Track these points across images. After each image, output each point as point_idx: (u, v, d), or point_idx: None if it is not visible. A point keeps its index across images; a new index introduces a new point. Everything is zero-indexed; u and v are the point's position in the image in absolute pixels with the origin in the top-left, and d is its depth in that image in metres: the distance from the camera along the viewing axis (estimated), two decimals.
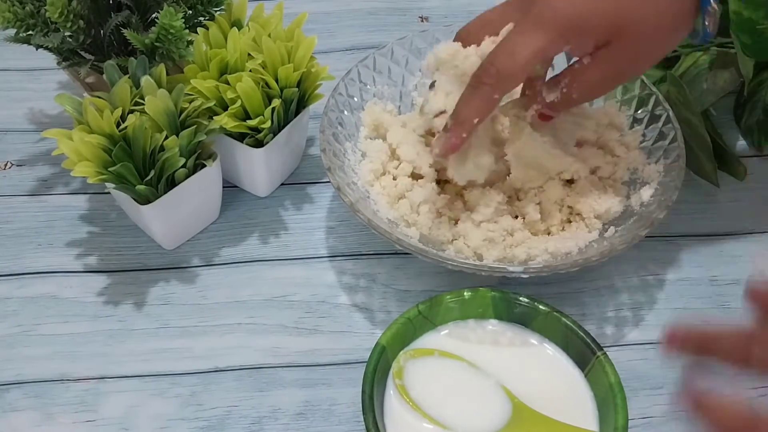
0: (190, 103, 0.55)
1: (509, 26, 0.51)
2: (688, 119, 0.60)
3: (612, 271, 0.58)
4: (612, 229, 0.55)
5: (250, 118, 0.57)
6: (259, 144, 0.59)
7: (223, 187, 0.61)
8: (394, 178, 0.59)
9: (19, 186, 0.65)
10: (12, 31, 0.57)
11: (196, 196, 0.58)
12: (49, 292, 0.58)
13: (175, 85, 0.54)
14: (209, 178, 0.58)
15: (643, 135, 0.59)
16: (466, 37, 0.53)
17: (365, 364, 0.46)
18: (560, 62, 0.56)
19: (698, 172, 0.63)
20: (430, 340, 0.49)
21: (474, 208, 0.55)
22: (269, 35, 0.58)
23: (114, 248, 0.60)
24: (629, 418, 0.44)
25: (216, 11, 0.61)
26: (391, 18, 0.81)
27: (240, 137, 0.58)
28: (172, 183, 0.55)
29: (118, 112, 0.53)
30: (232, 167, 0.61)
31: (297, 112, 0.60)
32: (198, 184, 0.57)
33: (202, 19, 0.61)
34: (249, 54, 0.58)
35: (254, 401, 0.52)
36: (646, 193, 0.56)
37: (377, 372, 0.46)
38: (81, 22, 0.56)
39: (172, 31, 0.54)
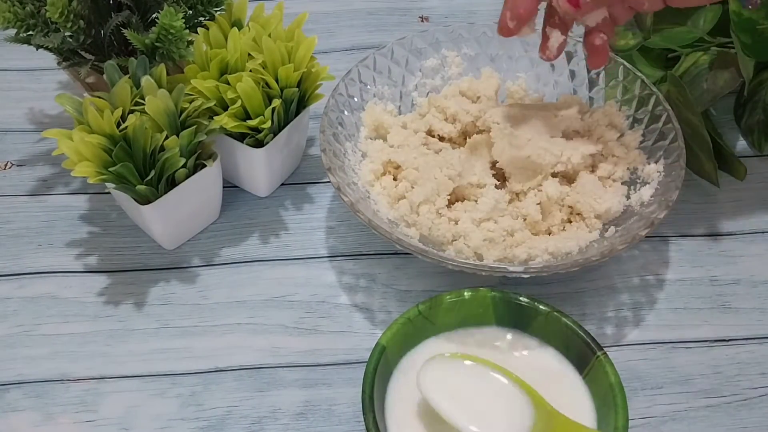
0: (190, 103, 0.55)
1: None
2: (689, 119, 0.60)
3: (612, 271, 0.59)
4: (612, 229, 0.55)
5: (250, 118, 0.57)
6: (259, 144, 0.59)
7: (224, 187, 0.61)
8: (395, 179, 0.59)
9: (20, 186, 0.65)
10: (12, 31, 0.57)
11: (196, 196, 0.58)
12: (49, 292, 0.58)
13: (175, 85, 0.54)
14: (209, 178, 0.58)
15: (643, 135, 0.59)
16: None
17: (365, 364, 0.46)
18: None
19: (698, 172, 0.63)
20: (430, 341, 0.49)
21: (474, 206, 0.55)
22: (269, 35, 0.58)
23: (114, 248, 0.60)
24: (629, 418, 0.44)
25: (216, 11, 0.61)
26: (391, 18, 0.81)
27: (240, 137, 0.58)
28: (172, 183, 0.55)
29: (119, 112, 0.53)
30: (233, 167, 0.61)
31: (297, 112, 0.60)
32: (198, 184, 0.57)
33: (202, 19, 0.61)
34: (249, 54, 0.58)
35: (254, 401, 0.52)
36: (646, 193, 0.56)
37: (377, 372, 0.46)
38: (81, 22, 0.56)
39: (172, 31, 0.54)
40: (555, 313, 0.49)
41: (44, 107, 0.71)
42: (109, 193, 0.62)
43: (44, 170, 0.66)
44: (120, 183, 0.53)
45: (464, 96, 0.63)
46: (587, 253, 0.53)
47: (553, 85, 0.65)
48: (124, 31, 0.56)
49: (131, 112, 0.53)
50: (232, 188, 0.64)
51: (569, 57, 0.64)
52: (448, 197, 0.56)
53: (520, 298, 0.49)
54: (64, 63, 0.59)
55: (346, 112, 0.61)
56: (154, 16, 0.60)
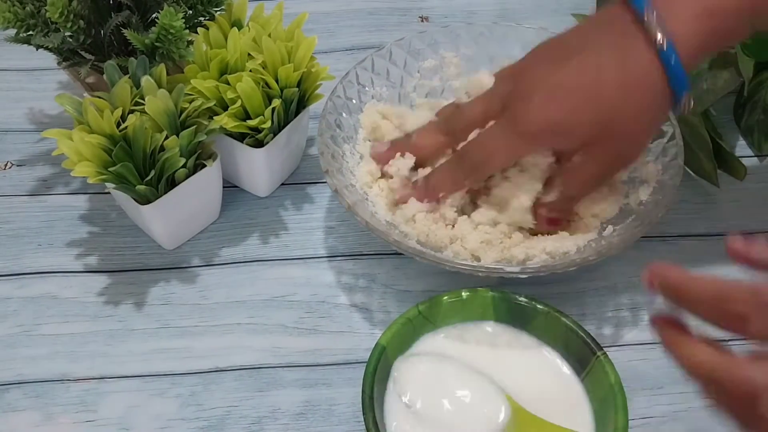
0: (190, 103, 0.55)
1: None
2: (688, 119, 0.60)
3: (612, 271, 0.58)
4: (610, 228, 0.55)
5: (250, 118, 0.57)
6: (259, 144, 0.59)
7: (223, 187, 0.61)
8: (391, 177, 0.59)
9: (19, 186, 0.65)
10: (12, 31, 0.57)
11: (196, 196, 0.58)
12: (49, 292, 0.58)
13: (175, 85, 0.54)
14: (209, 178, 0.58)
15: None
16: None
17: (365, 364, 0.46)
18: None
19: (698, 172, 0.63)
20: (429, 341, 0.49)
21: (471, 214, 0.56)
22: (269, 35, 0.58)
23: (114, 248, 0.60)
24: (629, 418, 0.44)
25: (216, 11, 0.61)
26: (391, 18, 0.81)
27: (240, 137, 0.58)
28: (172, 183, 0.55)
29: (119, 112, 0.53)
30: (233, 167, 0.61)
31: (297, 112, 0.60)
32: (198, 184, 0.57)
33: (202, 19, 0.61)
34: (249, 54, 0.58)
35: (254, 401, 0.52)
36: (644, 192, 0.56)
37: (377, 372, 0.46)
38: (81, 22, 0.56)
39: (172, 31, 0.54)
40: (554, 313, 0.49)
41: (44, 107, 0.71)
42: (109, 193, 0.62)
43: (44, 170, 0.66)
44: (120, 183, 0.53)
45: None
46: (585, 252, 0.53)
47: None
48: (124, 31, 0.56)
49: (131, 112, 0.53)
50: (232, 188, 0.64)
51: None
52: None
53: (520, 298, 0.49)
54: (64, 63, 0.59)
55: (344, 114, 0.61)
56: (154, 16, 0.60)
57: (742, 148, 0.67)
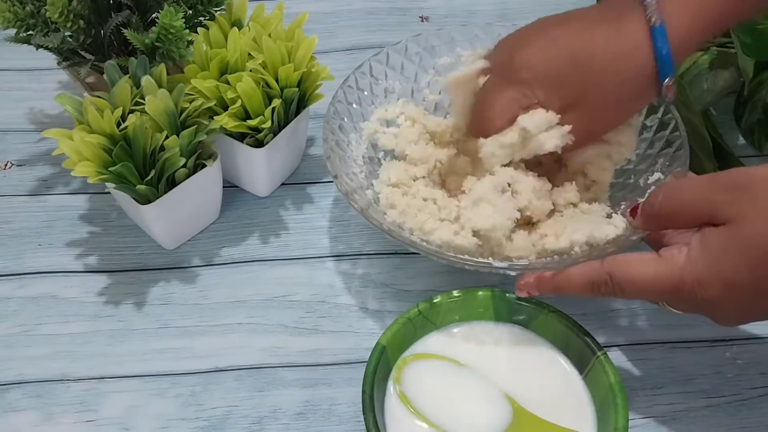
0: (190, 103, 0.55)
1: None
2: (689, 119, 0.60)
3: None
4: (612, 227, 0.55)
5: (250, 118, 0.57)
6: (259, 144, 0.59)
7: (224, 187, 0.61)
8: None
9: (20, 186, 0.65)
10: (12, 31, 0.57)
11: (196, 196, 0.58)
12: (49, 292, 0.58)
13: (175, 85, 0.54)
14: (209, 178, 0.58)
15: (651, 142, 0.59)
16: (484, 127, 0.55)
17: (365, 364, 0.46)
18: None
19: (698, 172, 0.63)
20: (429, 341, 0.49)
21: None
22: (269, 35, 0.58)
23: (114, 248, 0.60)
24: (629, 418, 0.44)
25: (216, 11, 0.61)
26: (391, 18, 0.81)
27: (240, 137, 0.58)
28: (172, 183, 0.55)
29: (119, 111, 0.53)
30: (233, 167, 0.61)
31: (297, 112, 0.60)
32: (198, 184, 0.57)
33: (202, 19, 0.61)
34: (249, 54, 0.58)
35: (254, 401, 0.52)
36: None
37: (378, 372, 0.46)
38: (81, 22, 0.56)
39: (172, 31, 0.54)
40: (555, 313, 0.49)
41: (44, 107, 0.71)
42: (109, 193, 0.62)
43: (44, 170, 0.66)
44: (120, 183, 0.53)
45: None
46: (575, 255, 0.53)
47: None
48: (124, 31, 0.56)
49: (131, 111, 0.53)
50: (232, 188, 0.64)
51: None
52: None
53: (521, 298, 0.49)
54: (64, 63, 0.59)
55: (354, 105, 0.61)
56: (154, 16, 0.60)
57: (742, 148, 0.67)
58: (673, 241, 0.46)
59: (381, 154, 0.62)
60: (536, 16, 0.80)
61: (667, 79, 0.50)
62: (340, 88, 0.60)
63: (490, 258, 0.53)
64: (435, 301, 0.49)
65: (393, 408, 0.46)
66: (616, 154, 0.57)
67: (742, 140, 0.68)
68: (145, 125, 0.52)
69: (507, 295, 0.50)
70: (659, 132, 0.58)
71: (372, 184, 0.58)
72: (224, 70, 0.58)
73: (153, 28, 0.56)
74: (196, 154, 0.56)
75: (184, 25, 0.55)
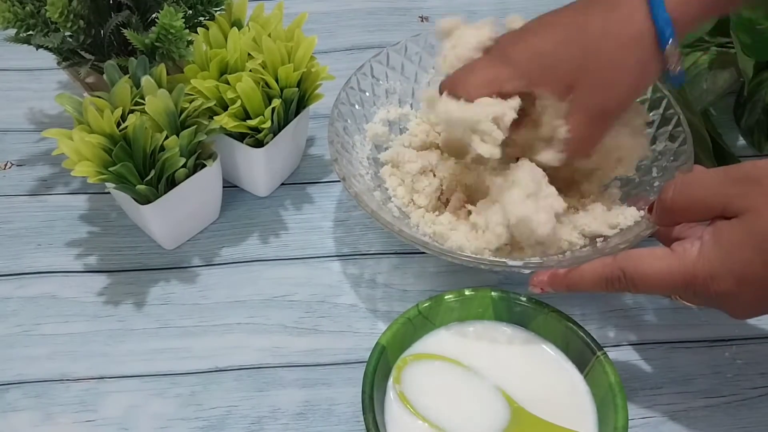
0: (190, 103, 0.55)
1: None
2: (689, 119, 0.60)
3: None
4: (614, 227, 0.55)
5: (250, 118, 0.57)
6: (259, 144, 0.59)
7: (223, 187, 0.61)
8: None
9: (19, 186, 0.65)
10: (12, 31, 0.57)
11: (196, 196, 0.58)
12: (49, 292, 0.58)
13: (175, 85, 0.54)
14: (209, 178, 0.58)
15: (654, 138, 0.59)
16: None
17: (365, 363, 0.46)
18: None
19: None
20: (429, 341, 0.49)
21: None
22: (269, 35, 0.58)
23: (114, 248, 0.60)
24: (629, 418, 0.44)
25: (216, 11, 0.61)
26: (391, 18, 0.81)
27: (240, 137, 0.58)
28: (172, 183, 0.55)
29: (119, 111, 0.53)
30: (232, 167, 0.61)
31: (297, 112, 0.60)
32: (198, 184, 0.57)
33: (202, 19, 0.61)
34: (249, 54, 0.58)
35: (254, 401, 0.52)
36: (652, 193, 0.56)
37: (377, 372, 0.46)
38: (81, 22, 0.56)
39: (172, 31, 0.54)
40: (555, 313, 0.49)
41: (44, 107, 0.71)
42: (109, 192, 0.62)
43: (44, 170, 0.66)
44: (120, 183, 0.53)
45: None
46: (589, 250, 0.53)
47: None
48: (124, 31, 0.56)
49: (131, 111, 0.53)
50: (232, 188, 0.64)
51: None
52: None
53: (521, 298, 0.49)
54: (64, 63, 0.59)
55: (356, 106, 0.61)
56: (154, 16, 0.60)
57: (741, 148, 0.67)
58: (684, 235, 0.46)
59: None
60: (537, 14, 0.80)
61: (669, 45, 0.48)
62: (342, 90, 0.60)
63: (505, 258, 0.53)
64: (435, 301, 0.49)
65: (392, 408, 0.46)
66: (626, 161, 0.57)
67: (741, 140, 0.68)
68: (145, 125, 0.52)
69: (507, 295, 0.50)
70: (662, 127, 0.59)
71: (380, 186, 0.58)
72: (224, 70, 0.58)
73: (153, 28, 0.56)
74: (196, 154, 0.56)
75: (183, 25, 0.55)
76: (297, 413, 0.51)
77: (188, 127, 0.54)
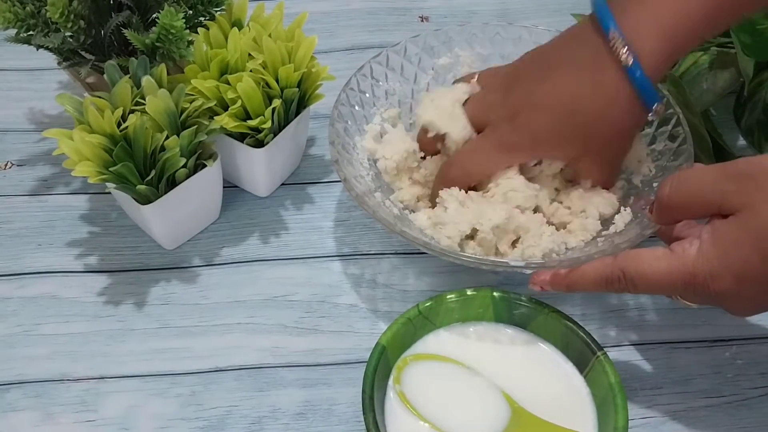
0: (190, 103, 0.55)
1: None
2: (688, 119, 0.60)
3: None
4: (616, 227, 0.55)
5: (250, 118, 0.57)
6: (259, 144, 0.59)
7: (224, 187, 0.61)
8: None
9: (20, 186, 0.65)
10: (12, 31, 0.57)
11: (196, 196, 0.58)
12: (49, 292, 0.58)
13: (175, 85, 0.54)
14: (210, 178, 0.58)
15: (653, 137, 0.59)
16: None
17: (365, 364, 0.46)
18: None
19: None
20: (430, 341, 0.49)
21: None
22: (270, 35, 0.58)
23: (114, 248, 0.60)
24: (629, 418, 0.44)
25: (216, 11, 0.61)
26: (390, 18, 0.81)
27: (240, 137, 0.58)
28: (172, 183, 0.55)
29: (119, 112, 0.53)
30: (233, 167, 0.61)
31: (297, 112, 0.60)
32: (198, 184, 0.57)
33: (202, 19, 0.61)
34: (249, 54, 0.58)
35: (254, 401, 0.52)
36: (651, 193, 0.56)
37: (377, 372, 0.46)
38: (81, 22, 0.56)
39: (172, 31, 0.54)
40: (555, 313, 0.49)
41: (44, 107, 0.71)
42: (109, 193, 0.62)
43: (44, 170, 0.66)
44: (120, 183, 0.53)
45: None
46: (590, 251, 0.53)
47: None
48: (125, 31, 0.56)
49: (132, 111, 0.53)
50: (232, 188, 0.64)
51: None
52: None
53: (521, 298, 0.49)
54: (64, 63, 0.59)
55: (356, 107, 0.61)
56: (154, 16, 0.60)
57: (741, 149, 0.67)
58: (684, 235, 0.46)
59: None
60: (536, 16, 0.80)
61: (655, 105, 0.52)
62: (342, 91, 0.60)
63: (506, 258, 0.53)
64: (435, 301, 0.49)
65: (393, 408, 0.46)
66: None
67: (741, 140, 0.68)
68: (145, 125, 0.52)
69: (507, 295, 0.50)
70: (661, 127, 0.59)
71: (380, 187, 0.58)
72: (224, 71, 0.58)
73: (153, 28, 0.56)
74: (197, 155, 0.56)
75: (184, 25, 0.55)
76: (297, 413, 0.51)
77: (189, 127, 0.54)
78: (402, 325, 0.48)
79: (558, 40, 0.56)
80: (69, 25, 0.55)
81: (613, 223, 0.55)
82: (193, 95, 0.56)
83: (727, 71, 0.63)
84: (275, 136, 0.59)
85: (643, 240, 0.51)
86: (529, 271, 0.51)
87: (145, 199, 0.55)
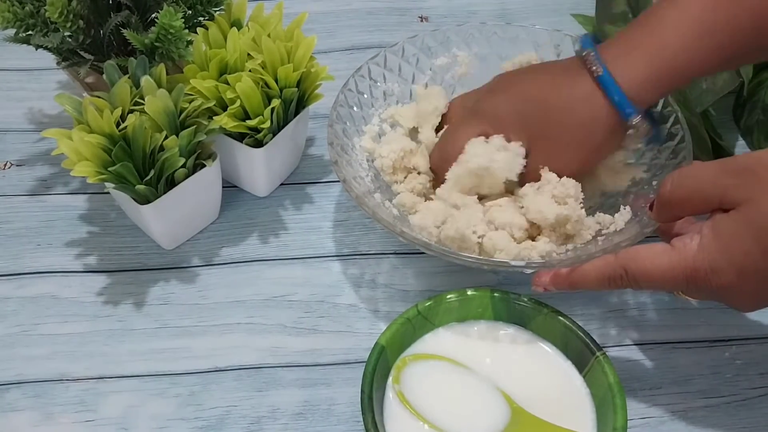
0: (189, 103, 0.55)
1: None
2: (688, 119, 0.60)
3: None
4: (616, 227, 0.55)
5: (249, 118, 0.57)
6: (258, 144, 0.59)
7: (223, 187, 0.61)
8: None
9: (19, 186, 0.65)
10: (12, 31, 0.57)
11: (195, 196, 0.58)
12: (49, 292, 0.58)
13: (174, 85, 0.54)
14: (209, 178, 0.58)
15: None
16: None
17: (365, 364, 0.46)
18: None
19: None
20: (429, 341, 0.49)
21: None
22: (269, 35, 0.58)
23: (114, 248, 0.60)
24: (628, 418, 0.44)
25: (215, 11, 0.61)
26: (390, 18, 0.81)
27: (239, 137, 0.58)
28: (171, 183, 0.55)
29: (118, 111, 0.53)
30: (232, 167, 0.61)
31: (297, 112, 0.60)
32: (198, 184, 0.57)
33: (201, 19, 0.61)
34: (249, 54, 0.58)
35: (254, 401, 0.52)
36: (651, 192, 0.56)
37: (377, 372, 0.46)
38: (81, 22, 0.56)
39: (171, 31, 0.54)
40: (554, 313, 0.49)
41: (44, 107, 0.71)
42: (108, 192, 0.62)
43: (44, 170, 0.66)
44: (119, 183, 0.53)
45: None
46: (590, 250, 0.53)
47: None
48: (124, 31, 0.56)
49: (131, 111, 0.53)
50: (231, 188, 0.64)
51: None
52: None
53: (520, 298, 0.49)
54: (63, 63, 0.59)
55: (354, 108, 0.61)
56: (153, 16, 0.60)
57: (741, 148, 0.67)
58: (684, 231, 0.47)
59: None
60: (536, 16, 0.80)
61: (632, 119, 0.52)
62: (341, 92, 0.60)
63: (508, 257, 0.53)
64: (434, 301, 0.49)
65: (392, 408, 0.46)
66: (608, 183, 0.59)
67: (741, 141, 0.68)
68: (144, 125, 0.52)
69: (507, 295, 0.50)
70: (660, 125, 0.59)
71: (380, 187, 0.58)
72: (223, 71, 0.58)
73: (152, 28, 0.56)
74: (196, 154, 0.56)
75: (183, 25, 0.55)
76: (296, 413, 0.51)
77: (188, 127, 0.54)
78: (401, 325, 0.48)
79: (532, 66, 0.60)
80: (68, 24, 0.55)
81: (613, 222, 0.55)
82: (192, 95, 0.56)
83: (727, 72, 0.63)
84: (274, 136, 0.59)
85: (644, 238, 0.51)
86: (529, 271, 0.51)
87: (144, 199, 0.55)
